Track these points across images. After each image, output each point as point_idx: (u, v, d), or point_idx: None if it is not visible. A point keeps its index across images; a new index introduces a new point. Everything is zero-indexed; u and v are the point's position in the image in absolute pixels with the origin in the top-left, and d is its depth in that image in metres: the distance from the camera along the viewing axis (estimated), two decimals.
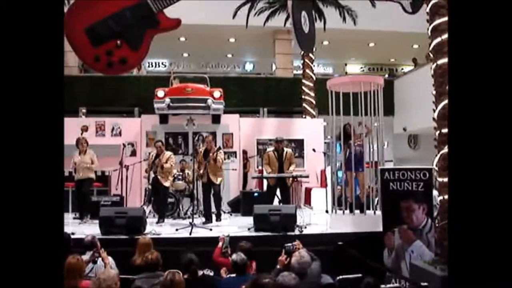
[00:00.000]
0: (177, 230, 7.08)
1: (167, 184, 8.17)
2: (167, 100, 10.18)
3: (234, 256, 4.47)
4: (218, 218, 8.01)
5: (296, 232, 6.77)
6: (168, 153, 8.26)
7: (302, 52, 14.01)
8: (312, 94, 14.33)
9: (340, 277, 4.57)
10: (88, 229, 7.09)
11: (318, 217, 8.21)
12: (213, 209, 8.14)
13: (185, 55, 21.01)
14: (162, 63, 21.70)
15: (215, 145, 8.50)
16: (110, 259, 4.80)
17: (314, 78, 14.59)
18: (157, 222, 7.79)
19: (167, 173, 8.12)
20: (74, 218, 8.45)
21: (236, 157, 10.93)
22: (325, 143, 11.85)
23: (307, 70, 14.59)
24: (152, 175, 8.17)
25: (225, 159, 10.40)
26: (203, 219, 7.98)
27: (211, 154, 7.86)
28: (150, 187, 8.48)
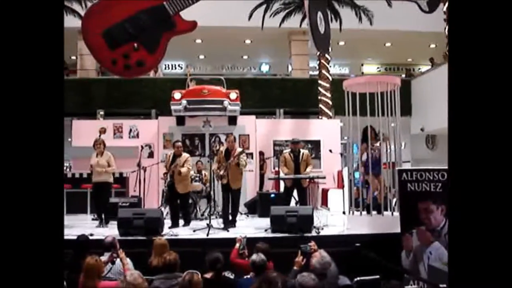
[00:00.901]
0: (194, 231, 7.11)
1: (184, 191, 8.06)
2: (184, 102, 10.24)
3: (254, 257, 4.47)
4: (233, 224, 7.79)
5: (313, 233, 6.75)
6: (185, 155, 8.16)
7: (318, 53, 14.00)
8: (329, 94, 14.29)
9: (358, 278, 4.55)
10: (106, 230, 7.17)
11: (335, 218, 8.19)
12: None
13: (201, 57, 21.10)
14: (179, 65, 21.84)
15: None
16: (128, 260, 4.84)
17: (330, 79, 14.55)
18: (183, 226, 7.80)
19: (184, 179, 8.00)
20: (93, 220, 8.54)
21: (252, 158, 10.94)
22: (341, 144, 11.81)
23: (323, 71, 14.55)
24: (168, 178, 8.04)
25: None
26: (220, 221, 7.91)
27: (232, 158, 7.67)
28: (166, 189, 8.43)
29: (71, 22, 14.38)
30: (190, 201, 8.85)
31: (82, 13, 11.66)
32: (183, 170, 7.87)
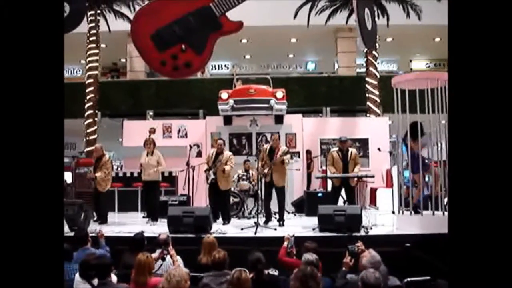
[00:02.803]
0: (242, 229, 7.17)
1: (226, 188, 8.16)
2: (231, 101, 10.34)
3: (308, 256, 4.46)
4: (281, 223, 7.78)
5: (362, 232, 6.66)
6: (228, 153, 8.26)
7: (365, 50, 13.80)
8: (376, 92, 14.06)
9: (408, 279, 4.47)
10: (157, 228, 7.34)
11: (384, 217, 8.05)
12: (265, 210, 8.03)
13: (247, 56, 21.23)
14: (225, 65, 22.06)
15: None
16: (178, 257, 4.94)
17: (378, 76, 14.32)
18: (223, 224, 7.89)
19: (226, 177, 8.10)
20: (143, 217, 8.75)
21: (299, 157, 10.91)
22: (390, 142, 11.60)
23: (371, 68, 14.34)
24: (211, 175, 8.11)
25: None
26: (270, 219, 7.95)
27: (278, 156, 7.70)
28: (208, 187, 8.45)
29: (120, 25, 14.85)
30: (238, 199, 8.94)
31: (131, 16, 11.98)
32: (227, 168, 7.99)
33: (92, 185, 8.59)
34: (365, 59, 14.62)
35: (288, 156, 7.88)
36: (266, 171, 7.75)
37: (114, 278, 4.16)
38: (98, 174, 8.34)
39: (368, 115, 14.01)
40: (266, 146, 8.14)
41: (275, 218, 8.00)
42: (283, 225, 7.72)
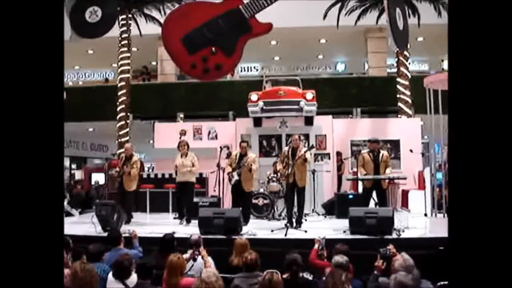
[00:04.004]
0: (272, 231, 7.17)
1: (250, 189, 8.21)
2: (261, 103, 10.36)
3: (338, 258, 4.43)
4: (298, 224, 7.70)
5: (394, 235, 6.57)
6: (252, 155, 8.31)
7: (396, 50, 13.61)
8: (408, 92, 13.85)
9: (441, 283, 4.38)
10: (188, 229, 7.41)
11: (417, 220, 7.92)
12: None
13: (277, 58, 21.22)
14: (254, 67, 22.11)
15: (307, 145, 8.41)
16: (209, 258, 4.97)
17: (409, 76, 14.11)
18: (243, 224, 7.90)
19: (250, 178, 8.14)
20: (174, 218, 8.85)
21: (329, 159, 10.84)
22: (422, 143, 11.40)
23: (402, 68, 14.13)
24: (235, 177, 8.15)
25: (318, 160, 10.39)
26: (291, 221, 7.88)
27: (301, 153, 7.64)
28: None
29: (151, 29, 15.07)
30: (268, 201, 8.95)
31: (162, 20, 12.13)
32: (254, 167, 8.00)
33: (116, 185, 8.77)
34: (396, 59, 14.42)
35: (308, 153, 7.81)
36: (289, 171, 7.69)
37: (134, 278, 4.19)
38: (133, 170, 8.49)
39: (399, 116, 13.81)
40: (287, 148, 8.13)
41: (305, 220, 7.97)
42: (300, 226, 7.67)
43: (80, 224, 8.26)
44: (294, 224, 7.64)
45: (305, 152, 7.67)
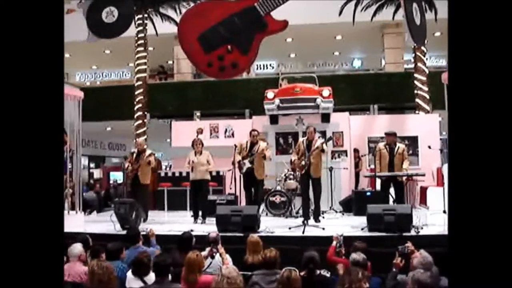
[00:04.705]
0: (289, 228, 7.17)
1: (262, 177, 8.27)
2: (277, 101, 10.34)
3: (355, 256, 4.42)
4: (317, 219, 7.70)
5: (412, 232, 6.52)
6: (264, 143, 8.36)
7: (413, 45, 13.45)
8: (425, 88, 13.70)
9: None
10: (205, 227, 7.44)
11: (435, 217, 7.82)
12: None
13: (292, 55, 21.16)
14: (270, 65, 22.07)
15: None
16: (227, 256, 4.99)
17: (427, 72, 13.95)
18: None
19: (263, 165, 8.21)
20: (192, 216, 8.89)
21: (347, 155, 10.78)
22: (441, 139, 11.27)
23: (419, 64, 13.98)
24: (247, 164, 8.18)
25: (335, 157, 10.34)
26: (311, 217, 7.90)
27: (317, 144, 7.67)
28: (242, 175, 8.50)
29: (167, 28, 15.14)
30: (285, 198, 8.95)
31: (177, 19, 12.19)
32: (268, 153, 8.07)
33: (129, 181, 8.87)
34: (413, 55, 14.27)
35: (324, 144, 7.81)
36: (304, 162, 7.72)
37: (152, 275, 4.23)
38: (150, 159, 8.65)
39: (417, 112, 13.68)
40: (301, 140, 8.14)
41: (323, 217, 7.94)
42: (319, 221, 7.65)
43: (99, 223, 8.36)
44: (311, 219, 7.62)
45: (322, 143, 7.69)
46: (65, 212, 8.44)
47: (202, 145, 8.68)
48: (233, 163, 8.72)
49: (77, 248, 4.85)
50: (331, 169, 9.75)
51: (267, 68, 22.07)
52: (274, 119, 11.03)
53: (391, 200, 8.07)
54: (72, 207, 8.67)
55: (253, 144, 8.25)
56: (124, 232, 6.45)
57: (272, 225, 7.52)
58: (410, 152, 10.32)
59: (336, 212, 9.60)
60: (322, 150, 7.73)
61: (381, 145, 8.13)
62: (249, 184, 8.32)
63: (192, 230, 6.03)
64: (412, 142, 11.00)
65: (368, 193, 9.34)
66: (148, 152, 8.87)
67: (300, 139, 8.45)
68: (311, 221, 7.68)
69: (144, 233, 5.98)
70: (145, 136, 14.41)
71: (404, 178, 7.92)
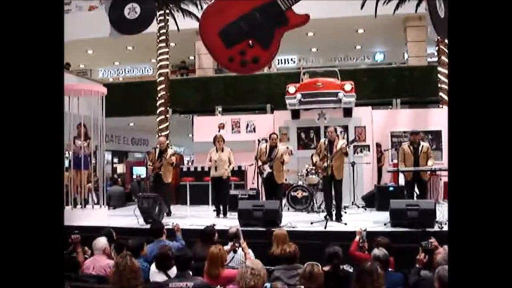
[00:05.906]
0: (311, 223, 7.16)
1: (281, 181, 8.20)
2: (299, 95, 10.32)
3: (376, 251, 4.40)
4: (338, 218, 7.64)
5: (436, 228, 6.46)
6: (283, 147, 8.30)
7: (437, 39, 13.25)
8: None
9: None
10: (227, 221, 7.49)
11: None
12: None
13: (314, 50, 21.03)
14: (291, 59, 21.99)
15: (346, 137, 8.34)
16: (249, 250, 5.02)
17: None
18: None
19: (283, 169, 8.14)
20: (214, 211, 8.95)
21: (369, 150, 10.71)
22: None
23: (443, 57, 13.75)
24: (267, 169, 8.08)
25: (358, 152, 10.28)
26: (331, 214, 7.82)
27: (342, 146, 7.54)
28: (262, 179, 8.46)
29: (188, 23, 15.20)
30: (307, 193, 8.95)
31: (199, 15, 12.22)
32: (286, 159, 8.04)
33: (151, 179, 8.96)
34: (437, 48, 14.05)
35: (347, 147, 7.70)
36: (326, 163, 7.60)
37: (175, 269, 4.26)
38: (173, 157, 8.74)
39: (440, 106, 13.48)
40: (323, 140, 8.06)
41: (345, 212, 7.90)
42: (341, 220, 7.60)
43: (123, 217, 8.48)
44: (334, 218, 7.60)
45: (346, 145, 7.59)
46: (89, 206, 8.61)
47: (223, 141, 8.70)
48: (255, 158, 8.71)
49: (101, 241, 4.93)
50: (353, 164, 9.70)
51: (288, 62, 21.99)
52: (295, 114, 11.01)
53: (415, 196, 8.00)
54: (97, 202, 8.81)
55: (272, 148, 8.18)
56: (148, 226, 6.53)
57: (294, 220, 7.52)
58: (434, 146, 10.19)
59: (358, 207, 9.56)
60: (346, 154, 7.65)
61: (405, 145, 8.05)
62: (269, 188, 8.28)
63: (214, 225, 6.07)
64: (436, 136, 10.88)
65: (391, 188, 9.26)
66: (170, 151, 8.93)
67: (321, 139, 8.40)
68: (318, 217, 7.62)
69: (169, 227, 6.04)
70: (167, 132, 14.51)
71: (427, 174, 7.82)
